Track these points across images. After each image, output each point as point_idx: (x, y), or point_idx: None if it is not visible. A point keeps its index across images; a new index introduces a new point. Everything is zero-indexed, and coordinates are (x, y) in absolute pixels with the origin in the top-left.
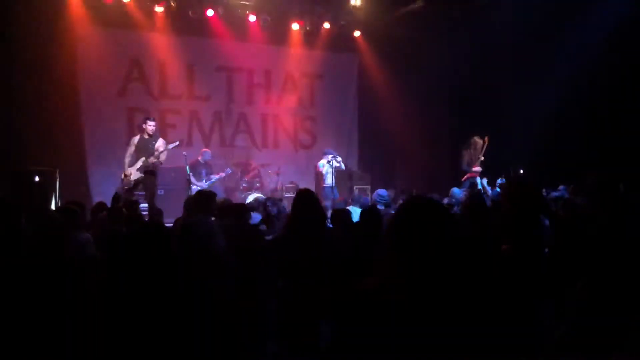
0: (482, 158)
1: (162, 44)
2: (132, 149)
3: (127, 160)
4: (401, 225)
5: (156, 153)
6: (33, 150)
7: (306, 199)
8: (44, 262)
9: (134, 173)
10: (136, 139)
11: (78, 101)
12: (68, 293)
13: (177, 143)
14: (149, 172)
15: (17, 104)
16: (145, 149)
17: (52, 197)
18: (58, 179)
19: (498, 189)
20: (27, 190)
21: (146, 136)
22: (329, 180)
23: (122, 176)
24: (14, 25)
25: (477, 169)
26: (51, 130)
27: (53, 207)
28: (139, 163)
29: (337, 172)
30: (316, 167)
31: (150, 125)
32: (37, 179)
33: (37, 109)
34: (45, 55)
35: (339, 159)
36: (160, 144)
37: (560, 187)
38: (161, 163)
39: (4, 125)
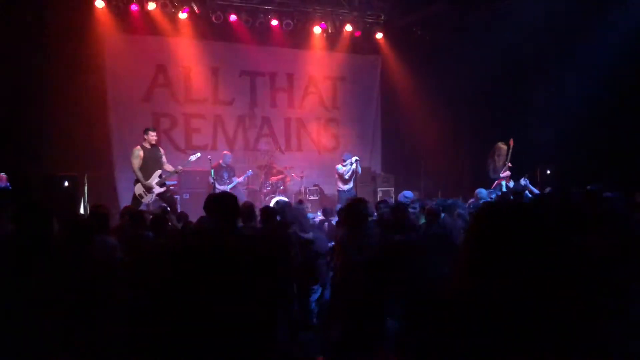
0: (510, 164)
1: (186, 50)
2: (139, 161)
3: (140, 173)
4: (487, 233)
5: (179, 167)
6: (62, 156)
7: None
8: (72, 263)
9: (154, 187)
10: (140, 151)
11: (105, 107)
12: (94, 293)
13: (199, 155)
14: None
15: (46, 110)
16: (154, 159)
17: (80, 201)
18: (86, 184)
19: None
20: (56, 195)
21: (148, 146)
22: (348, 184)
23: (142, 191)
24: (43, 34)
25: (506, 174)
26: (80, 136)
27: (82, 211)
28: (156, 177)
29: (357, 175)
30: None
31: (153, 136)
32: (66, 184)
33: (65, 115)
34: (74, 63)
35: (354, 159)
36: (162, 152)
37: (588, 187)
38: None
39: (34, 132)
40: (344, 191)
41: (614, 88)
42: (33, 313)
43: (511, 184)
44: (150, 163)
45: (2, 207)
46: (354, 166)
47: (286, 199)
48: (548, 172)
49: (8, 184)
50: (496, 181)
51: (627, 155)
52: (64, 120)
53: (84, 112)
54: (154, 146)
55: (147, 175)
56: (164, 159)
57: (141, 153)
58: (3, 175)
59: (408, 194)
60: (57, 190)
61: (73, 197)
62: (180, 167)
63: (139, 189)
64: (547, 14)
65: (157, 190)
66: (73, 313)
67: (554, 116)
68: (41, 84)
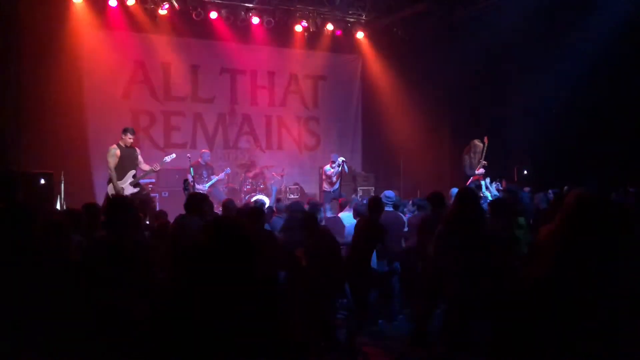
0: (485, 162)
1: (166, 47)
2: (115, 159)
3: (115, 173)
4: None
5: (155, 166)
6: (38, 153)
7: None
8: (50, 263)
9: (126, 188)
10: (117, 150)
11: (83, 104)
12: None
13: (174, 156)
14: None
15: (22, 107)
16: (130, 159)
17: (57, 199)
18: (63, 182)
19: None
20: (33, 192)
21: (124, 146)
22: (335, 186)
23: (113, 191)
24: (19, 29)
25: (481, 171)
26: (56, 133)
27: (58, 209)
28: (129, 178)
29: (343, 175)
30: (323, 171)
31: (130, 138)
32: (42, 181)
33: (42, 112)
34: (51, 59)
35: (341, 159)
36: (139, 153)
37: (566, 187)
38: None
39: (10, 128)
40: (329, 192)
41: (591, 90)
42: (15, 316)
43: (487, 180)
44: (127, 162)
45: None
46: (340, 167)
47: (266, 198)
48: (525, 172)
49: None
50: (471, 178)
51: (603, 156)
52: (40, 117)
53: (61, 108)
54: (130, 147)
55: (122, 175)
56: (140, 158)
57: (118, 152)
58: None
59: (389, 193)
60: (34, 188)
61: (49, 195)
62: (157, 166)
63: (112, 188)
64: (526, 16)
65: (130, 190)
66: (54, 314)
67: (532, 117)
68: (16, 80)
